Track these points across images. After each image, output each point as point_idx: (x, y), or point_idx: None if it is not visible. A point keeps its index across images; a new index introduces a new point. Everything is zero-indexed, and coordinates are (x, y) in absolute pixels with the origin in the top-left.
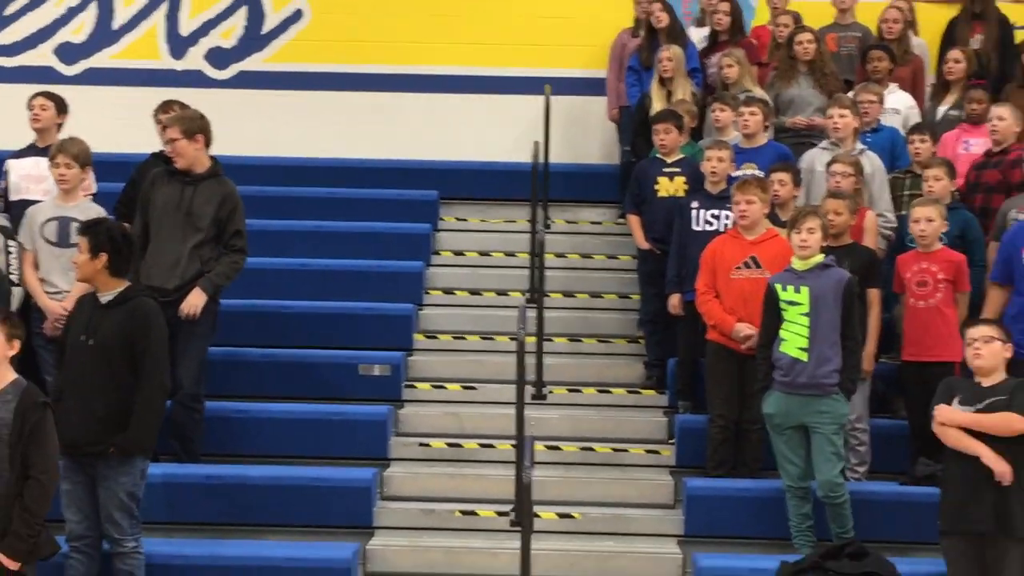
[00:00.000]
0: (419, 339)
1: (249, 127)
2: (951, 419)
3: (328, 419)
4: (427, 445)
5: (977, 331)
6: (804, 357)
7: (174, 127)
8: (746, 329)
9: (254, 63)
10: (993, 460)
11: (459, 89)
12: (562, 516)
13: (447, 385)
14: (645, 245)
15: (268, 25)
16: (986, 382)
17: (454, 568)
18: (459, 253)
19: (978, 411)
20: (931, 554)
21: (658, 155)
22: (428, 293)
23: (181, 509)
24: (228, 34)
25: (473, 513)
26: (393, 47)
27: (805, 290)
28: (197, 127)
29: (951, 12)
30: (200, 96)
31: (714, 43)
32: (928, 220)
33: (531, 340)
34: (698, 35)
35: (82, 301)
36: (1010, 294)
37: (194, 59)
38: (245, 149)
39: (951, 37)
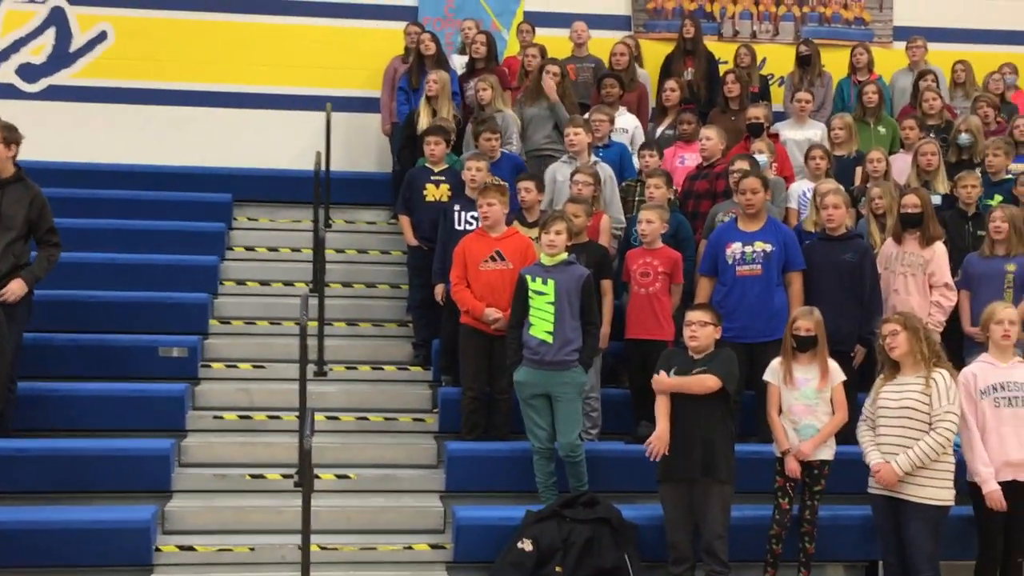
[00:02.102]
0: (214, 324)
1: (58, 135)
2: (661, 385)
3: (131, 396)
4: (220, 417)
5: (694, 316)
6: (549, 340)
7: None
8: (494, 313)
9: (62, 78)
10: (658, 438)
11: (251, 105)
12: (340, 477)
13: (239, 364)
14: (414, 242)
15: (75, 44)
16: (697, 355)
17: (244, 525)
18: (250, 248)
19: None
20: (651, 501)
21: (427, 164)
22: (223, 284)
23: None
24: (38, 51)
25: (261, 476)
26: (192, 67)
27: (551, 282)
28: (13, 136)
29: (668, 48)
30: (12, 107)
31: (472, 69)
32: (649, 222)
33: (313, 325)
34: (459, 62)
35: None
36: (715, 284)
37: (6, 74)
38: (55, 155)
39: (668, 69)
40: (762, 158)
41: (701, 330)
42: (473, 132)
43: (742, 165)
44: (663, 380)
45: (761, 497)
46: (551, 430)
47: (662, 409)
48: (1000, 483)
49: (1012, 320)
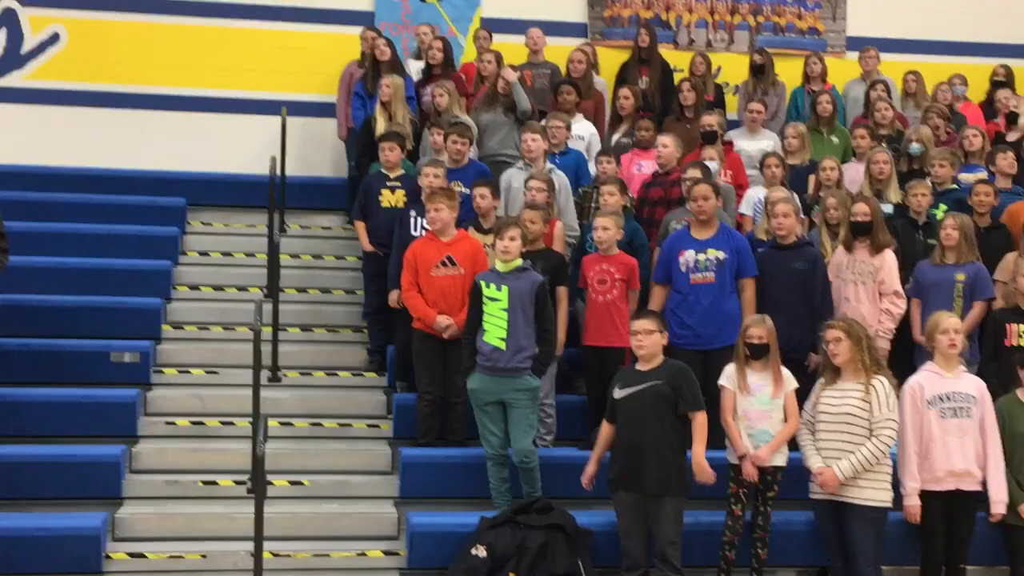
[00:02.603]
0: (167, 329)
1: (9, 138)
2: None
3: (82, 401)
4: (173, 423)
5: (639, 324)
6: (503, 346)
7: None
8: (445, 320)
9: (13, 80)
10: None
11: (206, 109)
12: (293, 483)
13: (192, 370)
14: (369, 247)
15: (27, 46)
16: (644, 367)
17: (196, 532)
18: (204, 253)
19: (635, 392)
20: (605, 507)
21: (382, 170)
22: (176, 288)
23: None
24: None
25: (214, 483)
26: (146, 70)
27: (505, 289)
28: None
29: (624, 56)
30: None
31: (428, 75)
32: (604, 228)
33: (267, 330)
34: (415, 68)
35: None
36: (669, 291)
37: None
38: (5, 158)
39: (623, 77)
40: (712, 165)
41: (647, 338)
42: (445, 135)
43: (693, 173)
44: (703, 466)
45: (714, 503)
46: (504, 436)
47: (601, 443)
48: (944, 492)
49: (957, 329)
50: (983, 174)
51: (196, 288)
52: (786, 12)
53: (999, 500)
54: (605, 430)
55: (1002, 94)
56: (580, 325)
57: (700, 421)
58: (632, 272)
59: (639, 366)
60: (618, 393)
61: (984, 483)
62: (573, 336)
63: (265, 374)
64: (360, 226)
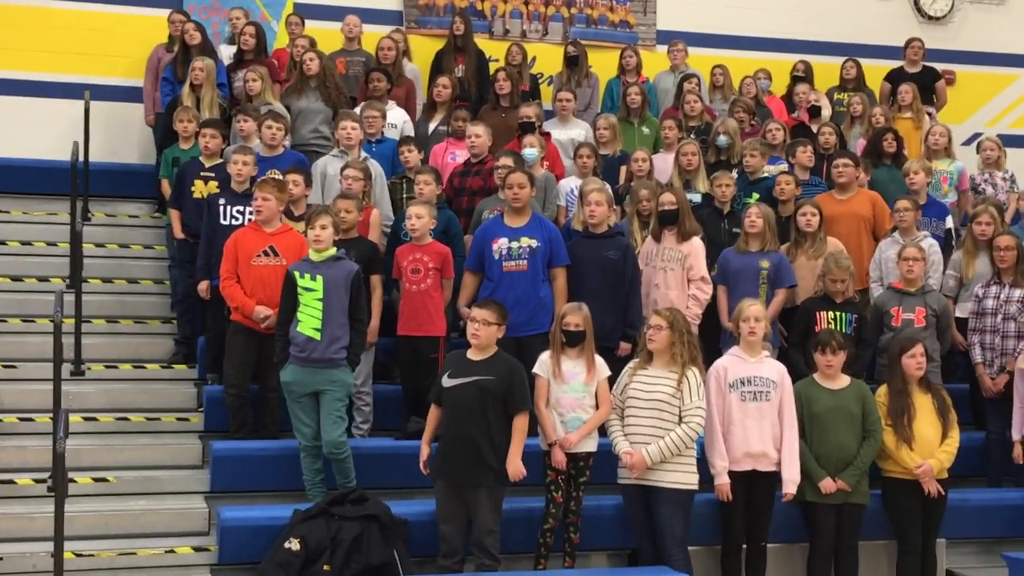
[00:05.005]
0: None
1: None
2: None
3: None
4: None
5: (481, 313)
6: (317, 336)
7: None
8: (264, 311)
9: None
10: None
11: (3, 91)
12: (97, 480)
13: None
14: (181, 235)
15: None
16: (476, 356)
17: None
18: (1, 243)
19: (464, 384)
20: (422, 496)
21: (200, 158)
22: None
23: None
24: None
25: (11, 482)
26: None
27: (320, 278)
28: None
29: (440, 44)
30: None
31: (240, 60)
32: (418, 217)
33: (70, 322)
34: (227, 53)
35: None
36: (482, 280)
37: None
38: None
39: (439, 66)
40: (532, 151)
41: (485, 329)
42: (259, 121)
43: (506, 161)
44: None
45: (531, 490)
46: (317, 427)
47: (431, 426)
48: (741, 472)
49: (757, 317)
50: (784, 166)
51: None
52: (599, 5)
53: (791, 480)
54: (434, 413)
55: (801, 88)
56: (397, 315)
57: (521, 425)
58: (446, 261)
59: (471, 355)
60: (447, 382)
61: (780, 464)
62: (390, 326)
63: (68, 368)
64: (174, 214)
